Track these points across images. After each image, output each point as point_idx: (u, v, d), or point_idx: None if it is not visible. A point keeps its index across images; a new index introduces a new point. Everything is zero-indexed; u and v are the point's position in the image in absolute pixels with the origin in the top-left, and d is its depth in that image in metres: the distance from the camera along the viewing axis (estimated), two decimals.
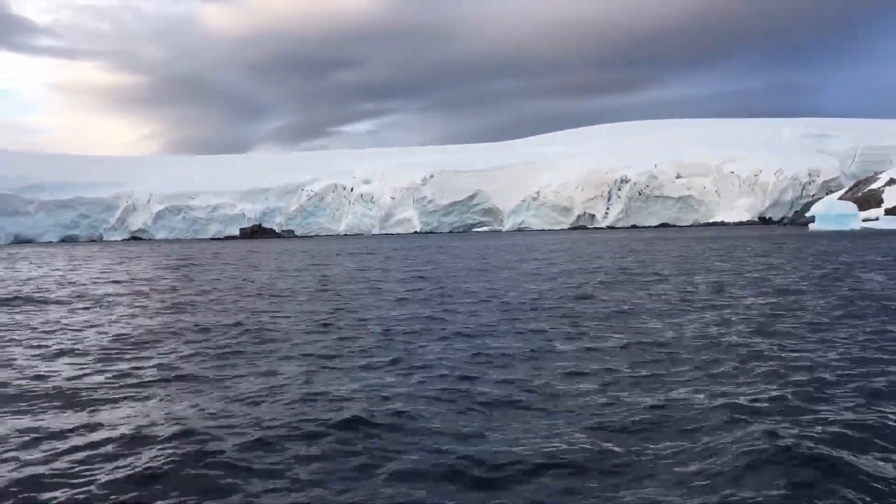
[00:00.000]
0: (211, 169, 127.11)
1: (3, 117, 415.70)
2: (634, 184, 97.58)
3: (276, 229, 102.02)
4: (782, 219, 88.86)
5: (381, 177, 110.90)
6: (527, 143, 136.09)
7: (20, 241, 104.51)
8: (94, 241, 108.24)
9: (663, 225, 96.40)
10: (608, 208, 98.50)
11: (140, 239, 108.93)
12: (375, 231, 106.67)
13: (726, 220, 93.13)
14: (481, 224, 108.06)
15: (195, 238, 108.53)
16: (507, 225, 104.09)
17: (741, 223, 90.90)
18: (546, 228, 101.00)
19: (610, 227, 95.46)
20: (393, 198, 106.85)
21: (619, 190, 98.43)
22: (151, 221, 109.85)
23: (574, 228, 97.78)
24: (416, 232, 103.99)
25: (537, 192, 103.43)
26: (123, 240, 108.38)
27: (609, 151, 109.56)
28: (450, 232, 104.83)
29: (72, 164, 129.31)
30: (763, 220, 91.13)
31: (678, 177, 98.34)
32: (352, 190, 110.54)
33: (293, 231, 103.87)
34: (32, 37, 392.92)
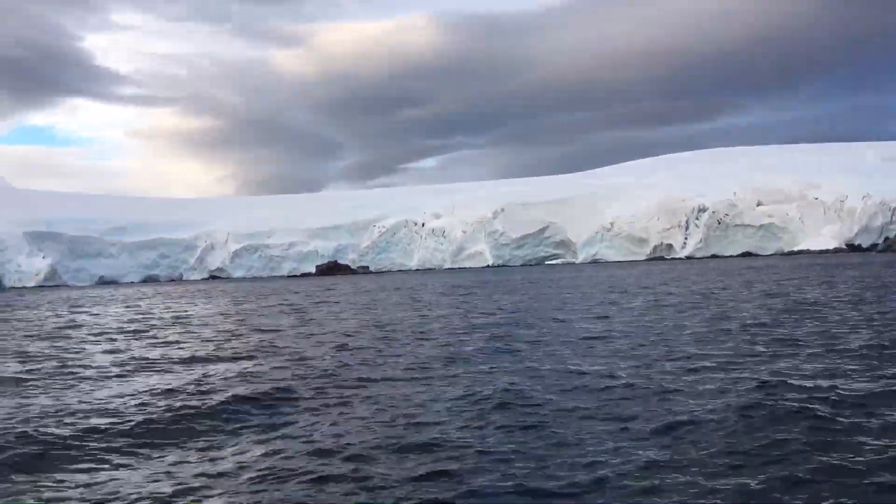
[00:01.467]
0: (284, 208, 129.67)
1: (88, 163, 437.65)
2: (713, 212, 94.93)
3: (351, 265, 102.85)
4: (874, 245, 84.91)
5: (451, 211, 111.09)
6: (598, 173, 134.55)
7: (104, 282, 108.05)
8: (173, 280, 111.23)
9: (746, 254, 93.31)
10: (686, 238, 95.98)
11: (218, 278, 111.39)
12: (447, 265, 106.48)
13: (811, 248, 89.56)
14: (554, 256, 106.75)
15: (271, 276, 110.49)
16: (581, 257, 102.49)
17: (826, 251, 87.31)
18: (621, 260, 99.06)
19: (689, 258, 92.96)
20: (464, 232, 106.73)
21: (697, 219, 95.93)
22: (229, 260, 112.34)
23: (651, 259, 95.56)
24: (488, 266, 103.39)
25: (611, 223, 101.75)
26: (203, 279, 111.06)
27: (684, 180, 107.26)
28: (522, 265, 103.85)
29: (151, 206, 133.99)
30: (851, 248, 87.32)
31: (759, 204, 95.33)
32: (423, 225, 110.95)
33: (367, 267, 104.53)
34: (114, 86, 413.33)
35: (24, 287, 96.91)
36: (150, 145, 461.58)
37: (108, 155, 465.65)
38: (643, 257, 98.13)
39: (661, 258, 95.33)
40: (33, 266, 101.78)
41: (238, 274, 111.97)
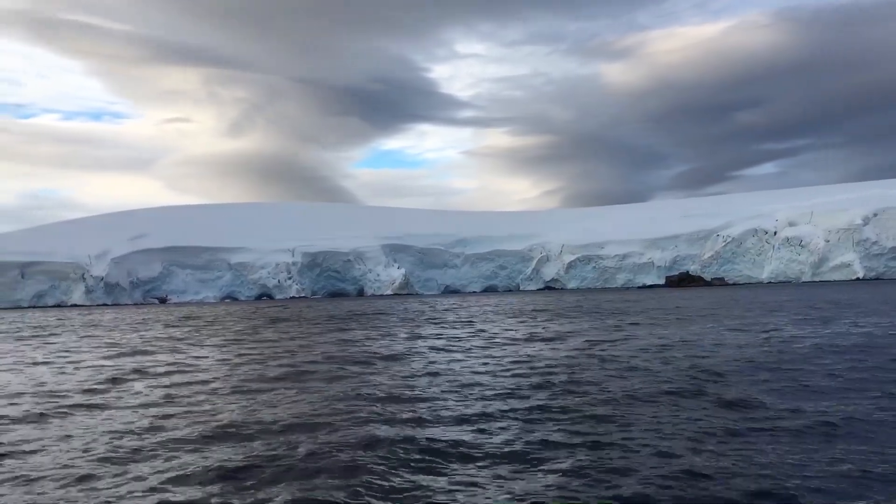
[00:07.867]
0: (614, 219, 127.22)
1: (434, 182, 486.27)
2: None
3: (703, 277, 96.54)
4: None
5: (810, 218, 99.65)
6: None
7: (449, 291, 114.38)
8: (510, 290, 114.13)
9: None
10: None
11: (553, 288, 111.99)
12: (806, 278, 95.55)
13: None
14: None
15: (605, 287, 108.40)
16: None
17: None
18: None
19: None
20: (827, 241, 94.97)
21: None
22: (563, 271, 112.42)
23: None
24: (857, 279, 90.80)
25: None
26: (538, 289, 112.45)
27: None
28: None
29: (487, 220, 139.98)
30: None
31: None
32: (774, 234, 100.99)
33: (723, 278, 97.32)
34: (456, 111, 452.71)
35: (382, 295, 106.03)
36: (485, 163, 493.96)
37: (449, 174, 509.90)
38: None
39: None
40: (390, 276, 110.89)
41: (572, 285, 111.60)
